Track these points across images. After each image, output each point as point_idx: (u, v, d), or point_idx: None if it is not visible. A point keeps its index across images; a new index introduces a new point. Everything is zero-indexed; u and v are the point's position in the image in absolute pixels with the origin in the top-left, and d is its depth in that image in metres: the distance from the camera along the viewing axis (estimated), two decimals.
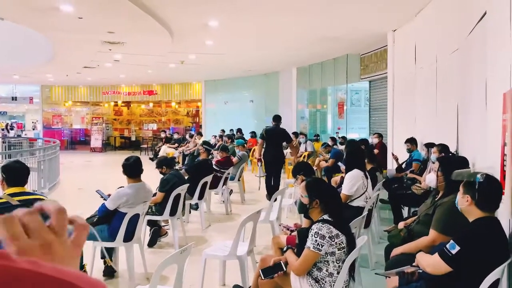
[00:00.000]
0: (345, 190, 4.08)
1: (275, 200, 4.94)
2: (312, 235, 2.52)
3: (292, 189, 6.21)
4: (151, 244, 4.90)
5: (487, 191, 2.27)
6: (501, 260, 2.18)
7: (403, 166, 6.41)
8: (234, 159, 7.68)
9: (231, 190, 7.48)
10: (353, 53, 10.73)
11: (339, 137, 10.69)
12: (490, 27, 3.24)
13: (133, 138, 20.06)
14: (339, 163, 7.47)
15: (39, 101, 19.62)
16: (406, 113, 7.32)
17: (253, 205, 7.05)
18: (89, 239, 3.52)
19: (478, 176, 2.29)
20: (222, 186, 6.72)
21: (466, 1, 4.40)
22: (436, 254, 2.29)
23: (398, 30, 7.72)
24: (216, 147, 9.04)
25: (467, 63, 4.23)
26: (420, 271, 2.43)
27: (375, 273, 3.17)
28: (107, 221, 3.75)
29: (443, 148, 4.53)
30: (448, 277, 2.25)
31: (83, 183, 9.61)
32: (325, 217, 2.62)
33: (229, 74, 15.29)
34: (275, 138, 7.48)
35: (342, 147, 8.76)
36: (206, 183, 5.91)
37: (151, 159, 13.17)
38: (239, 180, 7.65)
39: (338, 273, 2.52)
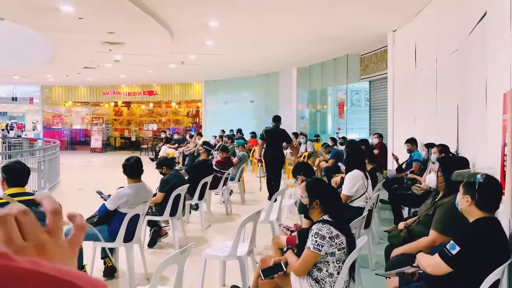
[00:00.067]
0: (345, 191, 4.08)
1: (275, 200, 4.95)
2: (312, 235, 2.52)
3: (292, 190, 6.21)
4: (151, 244, 4.90)
5: (487, 191, 2.27)
6: (502, 261, 2.18)
7: (403, 166, 6.41)
8: (234, 160, 7.68)
9: (231, 191, 7.48)
10: (353, 54, 10.73)
11: (339, 138, 10.69)
12: (490, 27, 3.24)
13: (133, 139, 20.06)
14: (339, 164, 7.47)
15: (39, 101, 19.63)
16: (406, 113, 7.32)
17: (253, 206, 7.05)
18: (90, 240, 3.52)
19: (478, 176, 2.29)
20: (222, 186, 6.72)
21: (466, 1, 4.40)
22: (436, 254, 2.29)
23: (398, 30, 7.72)
24: (216, 147, 9.05)
25: (467, 64, 4.23)
26: (420, 271, 2.43)
27: (375, 274, 3.17)
28: (107, 222, 3.75)
29: (443, 148, 4.53)
30: (448, 278, 2.25)
31: (83, 184, 9.61)
32: (325, 217, 2.62)
33: (229, 74, 15.30)
34: (275, 138, 7.49)
35: (342, 148, 8.76)
36: (206, 183, 5.91)
37: (152, 159, 13.17)
38: (239, 180, 7.65)
39: (338, 273, 2.52)
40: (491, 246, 2.21)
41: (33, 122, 21.42)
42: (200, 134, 13.35)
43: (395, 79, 7.87)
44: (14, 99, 19.56)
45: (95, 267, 3.82)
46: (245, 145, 9.98)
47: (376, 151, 7.86)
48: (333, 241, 2.50)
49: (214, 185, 6.47)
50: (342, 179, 4.59)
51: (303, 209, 2.80)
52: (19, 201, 2.66)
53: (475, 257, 2.18)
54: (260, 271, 2.78)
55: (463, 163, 3.37)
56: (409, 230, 3.29)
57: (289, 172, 7.97)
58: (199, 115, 19.44)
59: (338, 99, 12.82)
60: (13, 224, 0.47)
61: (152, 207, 4.78)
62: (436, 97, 5.61)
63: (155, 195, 4.76)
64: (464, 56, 4.40)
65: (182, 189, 4.91)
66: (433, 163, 4.43)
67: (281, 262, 2.74)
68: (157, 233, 4.96)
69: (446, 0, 5.36)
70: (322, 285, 2.54)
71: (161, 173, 5.26)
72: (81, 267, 3.58)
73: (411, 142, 6.29)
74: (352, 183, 4.09)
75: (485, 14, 3.41)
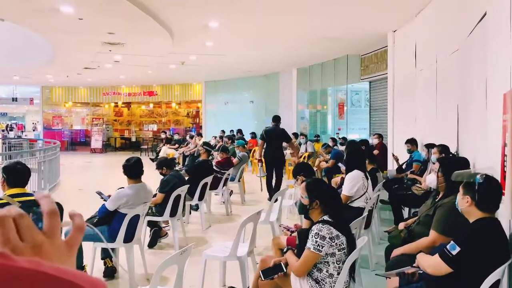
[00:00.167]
0: (345, 191, 4.08)
1: (276, 200, 4.95)
2: (312, 236, 2.52)
3: (292, 190, 6.21)
4: (151, 245, 4.90)
5: (487, 191, 2.27)
6: (502, 261, 2.18)
7: (404, 166, 6.41)
8: (234, 160, 7.69)
9: (231, 191, 7.48)
10: (353, 54, 10.73)
11: (339, 138, 10.69)
12: (490, 28, 3.24)
13: (133, 139, 20.07)
14: (340, 164, 7.47)
15: (40, 102, 19.63)
16: (406, 113, 7.32)
17: (253, 206, 7.05)
18: (91, 240, 3.52)
19: (478, 177, 2.29)
20: (222, 187, 6.72)
21: (466, 1, 4.40)
22: (437, 255, 2.29)
23: (398, 30, 7.72)
24: (216, 148, 9.05)
25: (467, 64, 4.23)
26: (421, 271, 2.43)
27: (376, 274, 3.17)
28: (107, 222, 3.75)
29: (444, 148, 4.53)
30: (449, 278, 2.25)
31: (83, 184, 9.61)
32: (325, 218, 2.62)
33: (229, 75, 15.30)
34: (275, 138, 7.52)
35: (342, 148, 8.75)
36: (206, 184, 5.91)
37: (152, 160, 13.17)
38: (239, 181, 7.65)
39: (338, 274, 2.52)
40: (491, 246, 2.21)
41: (33, 123, 21.43)
42: (200, 135, 13.36)
43: (395, 80, 7.87)
44: (14, 99, 19.57)
45: (95, 267, 3.81)
46: (245, 146, 9.98)
47: (376, 152, 7.86)
48: (333, 242, 2.50)
49: (214, 186, 6.47)
50: (342, 179, 4.59)
51: (303, 210, 2.80)
52: (20, 202, 2.66)
53: (475, 258, 2.18)
54: (260, 271, 2.78)
55: (464, 163, 3.37)
56: (409, 230, 3.29)
57: (289, 173, 7.97)
58: (199, 116, 19.44)
59: (338, 100, 12.82)
60: (11, 225, 0.47)
61: (152, 207, 4.78)
62: (436, 97, 5.61)
63: (155, 195, 4.76)
64: (464, 56, 4.40)
65: (182, 190, 4.91)
66: (433, 163, 4.43)
67: (281, 262, 2.73)
68: (157, 233, 4.96)
69: (446, 0, 5.36)
70: (322, 286, 2.54)
71: (161, 173, 5.26)
72: (81, 267, 3.58)
73: (411, 142, 6.29)
74: (352, 183, 4.09)
75: (485, 14, 3.41)
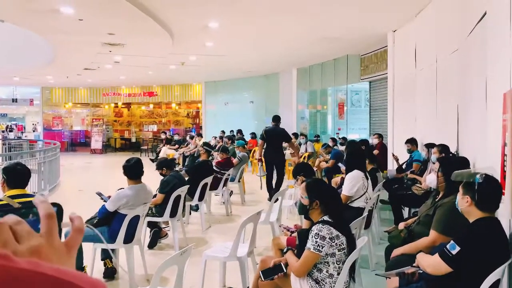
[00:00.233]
0: (345, 191, 4.08)
1: (276, 200, 4.95)
2: (312, 236, 2.52)
3: (292, 190, 6.21)
4: (151, 245, 4.90)
5: (487, 191, 2.27)
6: (502, 261, 2.18)
7: (404, 166, 6.41)
8: (235, 160, 7.69)
9: (231, 191, 7.48)
10: (353, 54, 10.73)
11: (339, 138, 10.69)
12: (490, 27, 3.24)
13: (134, 140, 20.08)
14: (340, 164, 7.47)
15: (40, 103, 19.64)
16: (406, 113, 7.33)
17: (253, 206, 7.05)
18: (91, 241, 3.52)
19: (477, 176, 2.29)
20: (222, 187, 6.72)
21: (466, 1, 4.40)
22: (437, 254, 2.29)
23: (398, 30, 7.72)
24: (217, 148, 9.05)
25: (467, 63, 4.23)
26: (421, 271, 2.43)
27: (376, 274, 3.17)
28: (107, 223, 3.75)
29: (444, 148, 4.53)
30: (449, 278, 2.25)
31: (84, 185, 9.61)
32: (325, 218, 2.62)
33: (229, 75, 15.30)
34: (275, 138, 7.55)
35: (342, 148, 8.76)
36: (206, 184, 5.91)
37: (152, 160, 13.17)
38: (239, 181, 7.65)
39: (338, 274, 2.52)
40: (491, 246, 2.21)
41: (33, 124, 21.44)
42: (200, 135, 13.36)
43: (395, 79, 7.87)
44: (14, 100, 19.58)
45: (95, 268, 3.81)
46: (245, 146, 9.99)
47: (376, 151, 7.87)
48: (333, 242, 2.50)
49: (214, 186, 6.47)
50: (342, 179, 4.59)
51: (303, 210, 2.80)
52: (20, 203, 2.65)
53: (475, 257, 2.18)
54: (260, 272, 2.78)
55: (464, 163, 3.37)
56: (409, 230, 3.29)
57: (289, 173, 7.98)
58: (199, 116, 19.45)
59: (338, 100, 12.82)
60: (8, 231, 0.47)
61: (152, 208, 4.78)
62: (436, 97, 5.61)
63: (155, 196, 4.76)
64: (464, 56, 4.40)
65: (182, 190, 4.91)
66: (433, 163, 4.43)
67: (281, 263, 2.73)
68: (157, 234, 4.96)
69: (446, 0, 5.37)
70: (322, 286, 2.54)
71: (161, 174, 5.26)
72: (81, 268, 3.58)
73: (411, 142, 6.29)
74: (352, 183, 4.09)
75: (485, 14, 3.41)
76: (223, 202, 6.86)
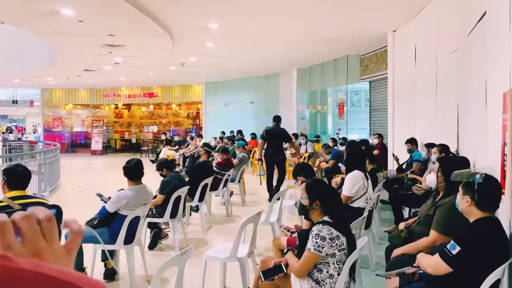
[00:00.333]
0: (345, 191, 4.08)
1: (278, 198, 4.96)
2: (312, 236, 2.52)
3: (293, 191, 6.21)
4: (152, 246, 4.90)
5: (487, 191, 2.27)
6: (502, 260, 2.18)
7: (404, 166, 6.40)
8: (235, 161, 7.69)
9: (232, 192, 7.49)
10: (353, 54, 10.73)
11: (339, 138, 10.69)
12: (490, 27, 3.24)
13: (134, 141, 20.08)
14: (340, 164, 7.47)
15: (40, 104, 19.65)
16: (406, 113, 7.33)
17: (253, 207, 7.05)
18: (91, 242, 3.52)
19: (477, 176, 2.29)
20: (223, 188, 6.72)
21: (466, 1, 4.40)
22: (437, 254, 2.29)
23: (398, 30, 7.72)
24: (217, 149, 9.05)
25: (467, 63, 4.23)
26: (421, 271, 2.43)
27: (376, 274, 3.17)
28: (108, 224, 3.75)
29: (444, 148, 4.53)
30: (449, 278, 2.25)
31: (84, 186, 9.62)
32: (326, 218, 2.62)
33: (230, 76, 15.31)
34: (275, 138, 7.57)
35: (342, 148, 8.76)
36: (206, 185, 5.91)
37: (152, 161, 13.18)
38: (239, 181, 7.65)
39: (338, 274, 2.52)
40: (491, 246, 2.21)
41: (33, 125, 21.46)
42: (200, 136, 13.36)
43: (395, 80, 7.87)
44: (15, 102, 19.60)
45: (95, 269, 3.81)
46: (246, 147, 9.99)
47: (376, 152, 7.87)
48: (334, 242, 2.50)
49: (214, 187, 6.48)
50: (343, 179, 4.59)
51: (304, 210, 2.80)
52: (20, 204, 2.65)
53: (475, 257, 2.18)
54: (260, 272, 2.78)
55: (464, 163, 3.37)
56: (410, 230, 3.29)
57: (289, 173, 7.98)
58: (199, 117, 19.45)
59: (338, 100, 12.82)
60: (11, 231, 0.47)
61: (153, 209, 4.78)
62: (436, 97, 5.61)
63: (155, 197, 4.76)
64: (464, 56, 4.40)
65: (183, 191, 4.91)
66: (434, 163, 4.43)
67: (282, 263, 2.73)
68: (157, 235, 4.96)
69: (446, 0, 5.37)
70: (323, 286, 2.54)
71: (161, 175, 5.27)
72: (82, 269, 3.58)
73: (411, 142, 6.29)
74: (352, 183, 4.09)
75: (484, 14, 3.41)
76: (223, 203, 6.86)
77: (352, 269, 2.58)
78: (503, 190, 2.43)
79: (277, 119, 7.76)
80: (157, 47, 9.16)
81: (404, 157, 6.55)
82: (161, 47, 9.04)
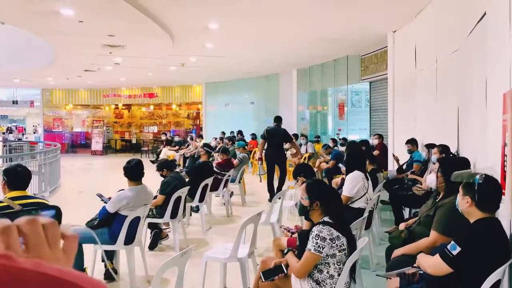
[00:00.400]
0: (345, 192, 4.08)
1: (279, 197, 4.96)
2: (312, 237, 2.52)
3: (293, 191, 6.21)
4: (152, 247, 4.90)
5: (487, 192, 2.27)
6: (502, 261, 2.18)
7: (404, 167, 6.40)
8: (235, 161, 7.69)
9: (232, 192, 7.49)
10: (353, 54, 10.74)
11: (339, 139, 10.69)
12: (490, 27, 3.24)
13: (134, 141, 20.09)
14: (340, 165, 7.47)
15: (40, 104, 19.66)
16: (406, 114, 7.33)
17: (254, 207, 7.04)
18: (89, 242, 3.51)
19: (477, 177, 2.29)
20: (223, 188, 6.72)
21: (466, 1, 4.40)
22: (437, 255, 2.29)
23: (398, 31, 7.72)
24: (217, 149, 9.05)
25: (467, 64, 4.24)
26: (421, 272, 2.43)
27: (376, 275, 3.17)
28: (108, 224, 3.75)
29: (444, 148, 4.53)
30: (449, 278, 2.25)
31: (84, 186, 9.61)
32: (326, 219, 2.62)
33: (230, 76, 15.31)
34: (276, 138, 7.59)
35: (342, 149, 8.76)
36: (206, 185, 5.91)
37: (152, 162, 13.18)
38: (239, 182, 7.65)
39: (339, 275, 2.52)
40: (491, 246, 2.21)
41: (34, 125, 21.46)
42: (200, 136, 13.36)
43: (395, 80, 7.87)
44: (15, 102, 19.61)
45: (96, 270, 3.81)
46: (246, 147, 9.99)
47: (376, 152, 7.87)
48: (334, 243, 2.50)
49: (214, 187, 6.48)
50: (343, 180, 4.59)
51: (304, 211, 2.79)
52: (20, 205, 2.64)
53: (475, 258, 2.17)
54: (260, 273, 2.78)
55: (464, 163, 3.36)
56: (410, 230, 3.29)
57: (290, 174, 7.99)
58: (199, 117, 19.46)
59: (339, 100, 12.82)
60: (16, 235, 0.47)
61: (153, 209, 4.78)
62: (436, 98, 5.61)
63: (155, 197, 4.76)
64: (464, 56, 4.40)
65: (183, 191, 4.91)
66: (434, 163, 4.43)
67: (282, 264, 2.73)
68: (157, 235, 4.96)
69: (446, 0, 5.37)
70: (323, 287, 2.54)
71: (161, 175, 5.27)
72: (82, 269, 3.58)
73: (412, 142, 6.29)
74: (353, 184, 4.09)
75: (484, 14, 3.41)
76: (224, 203, 6.86)
77: (353, 270, 2.58)
78: (503, 191, 2.43)
79: (278, 119, 7.79)
80: (157, 48, 9.16)
81: (404, 157, 6.55)
82: (161, 47, 9.04)
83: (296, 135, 11.60)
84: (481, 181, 2.26)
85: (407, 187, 5.50)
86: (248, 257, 3.54)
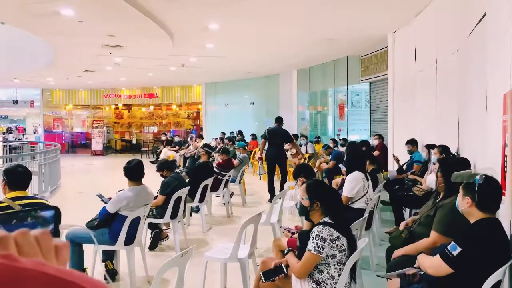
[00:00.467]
0: (346, 192, 4.08)
1: (280, 198, 4.96)
2: (313, 237, 2.52)
3: (293, 191, 6.21)
4: (152, 247, 4.90)
5: (487, 192, 2.27)
6: (503, 261, 2.17)
7: (404, 167, 6.40)
8: (235, 162, 7.69)
9: (232, 193, 7.49)
10: (353, 55, 10.74)
11: (340, 139, 10.69)
12: (490, 28, 3.24)
13: (134, 141, 20.09)
14: (340, 165, 7.47)
15: (40, 104, 19.66)
16: (406, 114, 7.33)
17: (254, 208, 7.05)
18: (89, 242, 3.52)
19: (477, 177, 2.29)
20: (223, 188, 6.72)
21: (466, 1, 4.40)
22: (437, 255, 2.29)
23: (398, 31, 7.73)
24: (217, 149, 9.05)
25: (467, 64, 4.24)
26: (421, 272, 2.43)
27: (376, 275, 3.16)
28: (108, 225, 3.75)
29: (444, 149, 4.53)
30: (449, 279, 2.24)
31: (84, 187, 9.62)
32: (326, 219, 2.62)
33: (230, 76, 15.32)
34: (277, 138, 7.60)
35: (343, 149, 8.76)
36: (207, 185, 5.91)
37: (152, 162, 13.18)
38: (240, 182, 7.65)
39: (339, 275, 2.52)
40: (492, 247, 2.21)
41: (34, 126, 21.46)
42: (200, 137, 13.36)
43: (395, 80, 7.88)
44: (15, 102, 19.61)
45: (96, 270, 3.81)
46: (246, 147, 9.99)
47: (376, 152, 7.87)
48: (334, 243, 2.50)
49: (214, 187, 6.48)
50: (343, 180, 4.59)
51: (304, 211, 2.79)
52: (20, 205, 2.64)
53: (476, 258, 2.17)
54: (261, 273, 2.78)
55: (464, 164, 3.36)
56: (410, 231, 3.29)
57: (290, 174, 7.99)
58: (199, 117, 19.46)
59: (339, 101, 12.82)
60: (12, 245, 0.48)
61: (153, 209, 4.78)
62: (436, 98, 5.61)
63: (156, 197, 4.76)
64: (464, 56, 4.40)
65: (183, 192, 4.91)
66: (434, 164, 4.43)
67: (282, 264, 2.73)
68: (158, 235, 4.96)
69: (446, 0, 5.37)
70: (323, 287, 2.54)
71: (161, 175, 5.26)
72: (82, 269, 3.58)
73: (412, 143, 6.29)
74: (353, 184, 4.09)
75: (485, 14, 3.41)
76: (224, 204, 6.86)
77: (353, 270, 2.58)
78: (503, 191, 2.43)
79: (279, 119, 7.83)
80: (157, 48, 9.17)
81: (404, 158, 6.55)
82: (161, 47, 9.05)
83: (296, 136, 11.61)
84: (481, 182, 2.26)
85: (407, 187, 5.50)
86: (248, 257, 3.54)
